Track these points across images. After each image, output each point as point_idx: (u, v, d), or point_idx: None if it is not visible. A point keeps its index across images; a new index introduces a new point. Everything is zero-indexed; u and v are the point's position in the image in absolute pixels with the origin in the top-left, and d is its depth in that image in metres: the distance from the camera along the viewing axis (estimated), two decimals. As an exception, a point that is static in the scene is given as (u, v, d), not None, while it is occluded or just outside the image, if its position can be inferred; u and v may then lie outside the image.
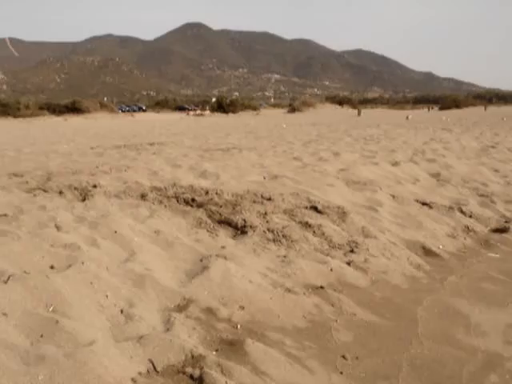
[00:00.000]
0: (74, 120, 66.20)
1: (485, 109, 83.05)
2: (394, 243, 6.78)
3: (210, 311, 4.49)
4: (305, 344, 4.17)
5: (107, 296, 4.42)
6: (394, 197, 9.04)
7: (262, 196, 8.10)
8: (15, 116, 65.47)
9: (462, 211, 8.43)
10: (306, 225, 6.95)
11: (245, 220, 6.86)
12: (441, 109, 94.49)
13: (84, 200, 7.82)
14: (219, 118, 74.73)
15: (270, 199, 7.95)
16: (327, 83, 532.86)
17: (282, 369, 3.70)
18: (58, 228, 6.23)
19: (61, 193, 8.23)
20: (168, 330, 4.02)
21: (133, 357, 3.57)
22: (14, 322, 3.74)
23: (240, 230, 6.71)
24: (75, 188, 8.49)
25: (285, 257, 5.93)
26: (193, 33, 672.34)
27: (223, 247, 6.06)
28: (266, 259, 5.87)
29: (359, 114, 70.10)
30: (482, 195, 9.65)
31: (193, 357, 3.66)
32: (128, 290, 4.62)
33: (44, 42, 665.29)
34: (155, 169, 11.03)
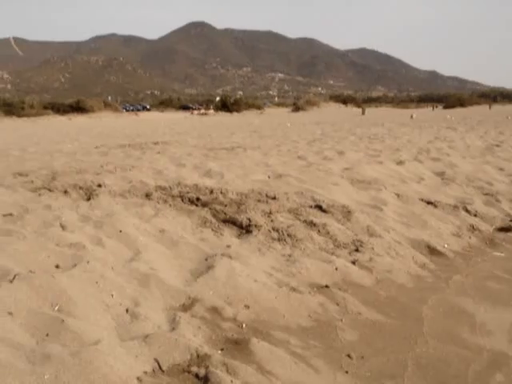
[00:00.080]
0: (78, 119, 66.26)
1: (489, 107, 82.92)
2: (399, 242, 6.78)
3: (215, 310, 4.49)
4: (310, 343, 4.17)
5: (112, 295, 4.43)
6: (398, 196, 9.03)
7: (266, 195, 8.10)
8: (19, 115, 65.47)
9: (466, 210, 8.41)
10: (311, 224, 6.95)
11: (249, 219, 6.85)
12: (445, 107, 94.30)
13: (89, 199, 7.83)
14: (223, 117, 74.71)
15: (274, 198, 7.95)
16: (331, 82, 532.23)
17: (288, 368, 3.70)
18: (63, 227, 6.24)
19: (66, 192, 8.24)
20: (173, 329, 4.03)
21: (138, 356, 3.57)
22: (19, 321, 3.75)
23: (245, 229, 6.71)
24: (80, 187, 8.50)
25: (290, 256, 5.93)
26: (196, 32, 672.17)
27: (228, 246, 6.06)
28: (271, 258, 5.87)
29: (363, 112, 70.01)
30: (486, 194, 9.63)
31: (198, 356, 3.66)
32: (133, 290, 4.62)
33: (48, 41, 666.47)
34: (160, 168, 11.04)
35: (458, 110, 74.33)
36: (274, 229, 6.66)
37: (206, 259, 5.60)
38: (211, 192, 8.16)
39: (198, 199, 7.74)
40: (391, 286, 5.50)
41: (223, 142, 19.62)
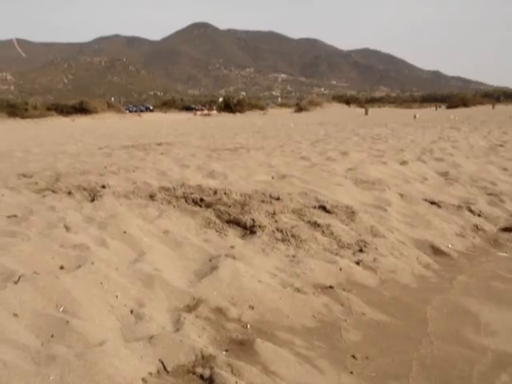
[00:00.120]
0: (81, 120, 66.30)
1: (493, 107, 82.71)
2: (403, 242, 6.78)
3: (219, 311, 4.50)
4: (314, 344, 4.17)
5: (117, 296, 4.43)
6: (402, 196, 9.03)
7: (270, 196, 8.10)
8: (23, 117, 65.52)
9: (470, 210, 8.41)
10: (315, 224, 6.95)
11: (253, 220, 6.86)
12: (448, 107, 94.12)
13: (93, 200, 7.84)
14: (226, 117, 74.69)
15: (278, 199, 7.95)
16: (334, 82, 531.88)
17: (292, 369, 3.70)
18: (67, 228, 6.26)
19: (70, 193, 8.25)
20: (178, 330, 4.03)
21: (143, 357, 3.58)
22: (24, 323, 3.76)
23: (249, 229, 6.71)
24: (84, 188, 8.51)
25: (294, 256, 5.94)
26: (199, 33, 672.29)
27: (232, 247, 6.07)
28: (275, 259, 5.87)
29: (366, 113, 69.91)
30: (490, 194, 9.63)
31: (203, 357, 3.66)
32: (137, 291, 4.63)
33: (51, 42, 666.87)
34: (163, 169, 11.05)
35: (462, 110, 74.21)
36: (277, 229, 6.67)
37: (210, 260, 5.60)
38: (215, 193, 8.17)
39: (201, 200, 7.74)
40: (395, 287, 5.50)
41: (226, 143, 19.62)
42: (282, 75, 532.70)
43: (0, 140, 28.12)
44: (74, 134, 34.01)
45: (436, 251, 6.68)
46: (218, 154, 14.67)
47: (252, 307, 4.64)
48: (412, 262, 6.20)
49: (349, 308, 4.85)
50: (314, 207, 7.73)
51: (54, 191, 8.45)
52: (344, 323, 4.55)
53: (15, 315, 3.80)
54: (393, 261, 6.09)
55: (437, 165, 12.42)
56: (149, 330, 3.96)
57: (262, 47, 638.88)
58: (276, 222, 6.93)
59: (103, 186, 8.62)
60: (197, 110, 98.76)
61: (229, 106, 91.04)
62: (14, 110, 67.86)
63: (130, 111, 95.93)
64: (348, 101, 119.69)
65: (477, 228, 7.73)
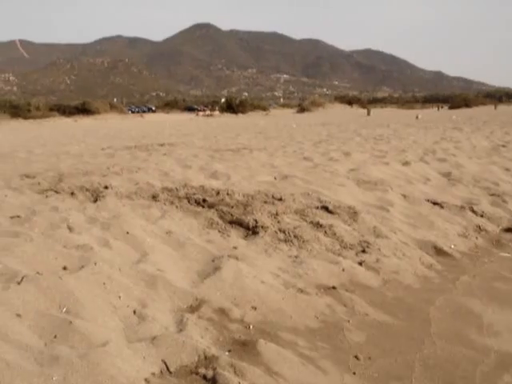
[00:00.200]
0: (84, 121, 66.39)
1: (495, 107, 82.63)
2: (406, 243, 6.78)
3: (222, 312, 4.50)
4: (317, 344, 4.17)
5: (120, 297, 4.44)
6: (404, 196, 9.03)
7: (272, 196, 8.10)
8: (25, 117, 65.59)
9: (473, 211, 8.40)
10: (318, 225, 6.96)
11: (256, 220, 6.86)
12: (450, 108, 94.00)
13: (96, 201, 7.84)
14: (229, 118, 74.70)
15: (280, 199, 7.95)
16: (336, 83, 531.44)
17: (295, 369, 3.71)
18: (70, 229, 6.26)
19: (72, 194, 8.26)
20: (181, 330, 4.03)
21: (146, 357, 3.58)
22: (27, 323, 3.77)
23: (251, 230, 6.72)
24: (87, 189, 8.52)
25: (296, 257, 5.94)
26: (202, 33, 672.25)
27: (235, 248, 6.07)
28: (278, 259, 5.88)
29: (369, 113, 69.86)
30: (493, 194, 9.62)
31: (206, 357, 3.67)
32: (140, 291, 4.63)
33: (54, 43, 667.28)
34: (166, 169, 11.05)
35: (464, 111, 74.10)
36: (280, 230, 6.67)
37: (213, 260, 5.61)
38: (217, 193, 8.17)
39: (204, 201, 7.75)
40: (398, 287, 5.50)
41: (229, 144, 19.61)
42: (285, 76, 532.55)
43: (3, 141, 28.16)
44: (76, 134, 34.05)
45: (439, 252, 6.68)
46: (221, 154, 14.67)
47: (255, 308, 4.64)
48: (415, 262, 6.20)
49: (352, 309, 4.85)
50: (317, 208, 7.74)
51: (56, 192, 8.46)
52: (347, 324, 4.55)
53: (18, 316, 3.81)
54: (395, 261, 6.10)
55: (439, 165, 12.41)
56: (152, 331, 3.96)
57: (265, 48, 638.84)
58: (278, 222, 6.94)
59: (106, 187, 8.63)
60: (199, 110, 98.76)
61: (231, 107, 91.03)
62: (17, 110, 67.94)
63: (133, 112, 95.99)
64: (350, 101, 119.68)
65: (479, 228, 7.73)
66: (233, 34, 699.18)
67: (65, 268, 4.90)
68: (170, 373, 3.51)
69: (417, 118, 48.22)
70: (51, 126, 57.90)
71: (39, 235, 5.85)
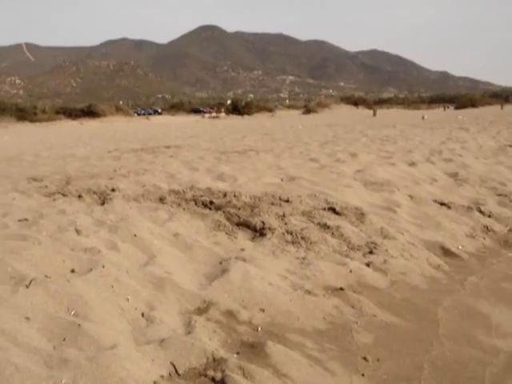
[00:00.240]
0: (90, 124, 66.47)
1: (501, 107, 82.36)
2: (413, 244, 6.77)
3: (230, 314, 4.51)
4: (325, 346, 4.17)
5: (128, 299, 4.45)
6: (411, 197, 9.02)
7: (279, 198, 8.11)
8: (32, 120, 65.70)
9: (480, 211, 8.38)
10: (325, 226, 6.96)
11: (263, 222, 6.86)
12: (457, 108, 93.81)
13: (103, 204, 7.86)
14: (235, 120, 74.70)
15: (287, 201, 7.95)
16: (342, 84, 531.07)
17: (304, 371, 3.71)
18: (77, 232, 6.27)
19: (80, 197, 8.27)
20: (189, 332, 4.04)
21: (154, 360, 3.59)
22: (36, 326, 3.78)
23: (259, 232, 6.72)
24: (94, 192, 8.53)
25: (304, 259, 5.94)
26: (207, 35, 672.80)
27: (242, 249, 6.07)
28: (285, 261, 5.88)
29: (374, 114, 69.76)
30: (500, 194, 9.60)
31: (214, 360, 3.67)
32: (148, 294, 4.64)
33: (60, 46, 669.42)
34: (173, 172, 11.06)
35: (470, 111, 73.94)
36: (287, 232, 6.67)
37: (221, 263, 5.61)
38: (224, 195, 8.18)
39: (211, 203, 7.76)
40: (406, 288, 5.50)
41: (235, 145, 19.60)
42: (290, 77, 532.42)
43: (9, 144, 28.24)
44: (82, 137, 34.11)
45: (446, 252, 6.67)
46: (227, 156, 14.67)
47: (263, 310, 4.65)
48: (422, 263, 6.19)
49: (359, 310, 4.85)
50: (324, 209, 7.74)
51: (64, 195, 8.48)
52: (355, 325, 4.55)
53: (27, 319, 3.82)
54: (403, 262, 6.09)
55: (446, 166, 12.39)
56: (160, 333, 3.97)
57: (270, 49, 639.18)
58: (286, 224, 6.94)
59: (113, 190, 8.65)
60: (205, 112, 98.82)
61: (237, 109, 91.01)
62: (23, 113, 68.02)
63: (139, 114, 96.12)
64: (356, 102, 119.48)
65: (487, 229, 7.71)
66: (238, 35, 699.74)
67: (73, 271, 4.91)
68: (179, 375, 3.52)
69: (423, 118, 48.12)
70: (57, 128, 58.00)
71: (47, 238, 5.86)
